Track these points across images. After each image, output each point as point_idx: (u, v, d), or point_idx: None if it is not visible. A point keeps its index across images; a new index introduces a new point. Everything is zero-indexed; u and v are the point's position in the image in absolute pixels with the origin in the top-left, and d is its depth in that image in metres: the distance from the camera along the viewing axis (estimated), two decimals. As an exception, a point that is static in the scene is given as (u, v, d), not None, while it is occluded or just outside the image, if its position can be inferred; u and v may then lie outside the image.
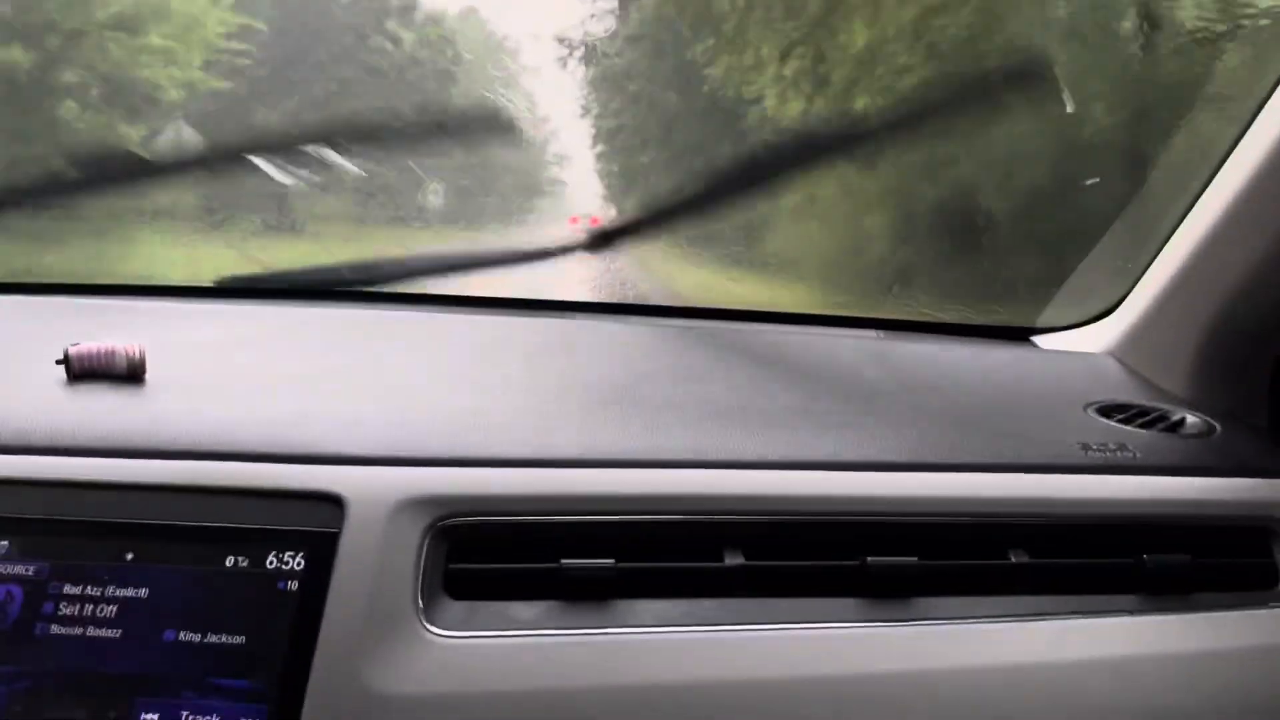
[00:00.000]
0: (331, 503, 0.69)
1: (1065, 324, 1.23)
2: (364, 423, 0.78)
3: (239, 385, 0.88)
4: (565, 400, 0.88)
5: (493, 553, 0.70)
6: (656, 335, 1.22)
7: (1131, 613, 0.75)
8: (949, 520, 0.77)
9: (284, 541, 0.67)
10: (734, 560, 0.72)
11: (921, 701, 0.69)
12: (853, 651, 0.69)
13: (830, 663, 0.68)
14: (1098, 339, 1.15)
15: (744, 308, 1.35)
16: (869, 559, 0.73)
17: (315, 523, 0.68)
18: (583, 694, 0.65)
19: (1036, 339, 1.25)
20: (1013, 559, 0.76)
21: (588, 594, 0.69)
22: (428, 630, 0.65)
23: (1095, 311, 1.18)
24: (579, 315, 1.33)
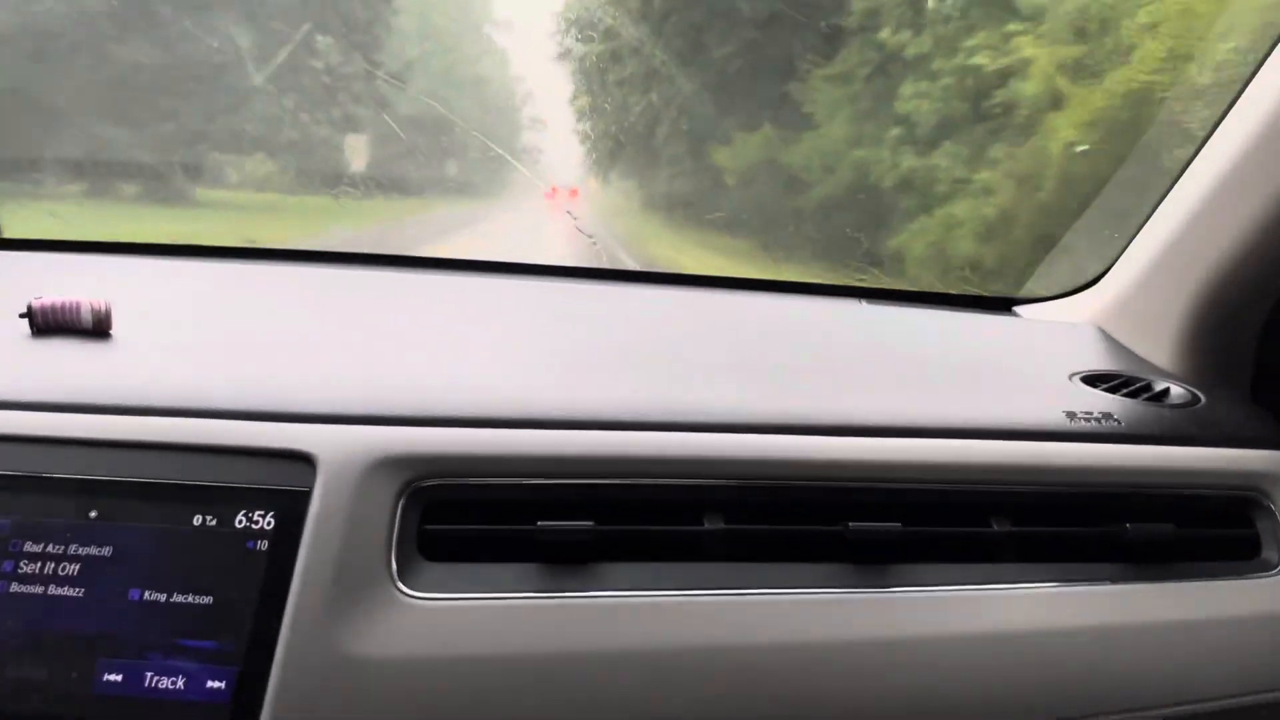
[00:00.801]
0: (302, 461, 0.67)
1: (1048, 294, 1.22)
2: (337, 381, 0.76)
3: (209, 342, 0.85)
4: (545, 362, 0.86)
5: (468, 514, 0.68)
6: (640, 301, 1.20)
7: (1114, 581, 0.75)
8: (932, 486, 0.76)
9: (253, 500, 0.65)
10: (714, 524, 0.71)
11: (901, 668, 0.68)
12: (832, 618, 0.68)
13: (809, 629, 0.68)
14: (1080, 310, 1.15)
15: (729, 275, 1.34)
16: (850, 524, 0.72)
17: (285, 481, 0.66)
18: (558, 658, 0.64)
19: (1020, 309, 1.24)
20: (995, 527, 0.75)
21: (565, 557, 0.68)
22: (401, 592, 0.64)
23: (1079, 282, 1.17)
24: (561, 279, 1.31)
